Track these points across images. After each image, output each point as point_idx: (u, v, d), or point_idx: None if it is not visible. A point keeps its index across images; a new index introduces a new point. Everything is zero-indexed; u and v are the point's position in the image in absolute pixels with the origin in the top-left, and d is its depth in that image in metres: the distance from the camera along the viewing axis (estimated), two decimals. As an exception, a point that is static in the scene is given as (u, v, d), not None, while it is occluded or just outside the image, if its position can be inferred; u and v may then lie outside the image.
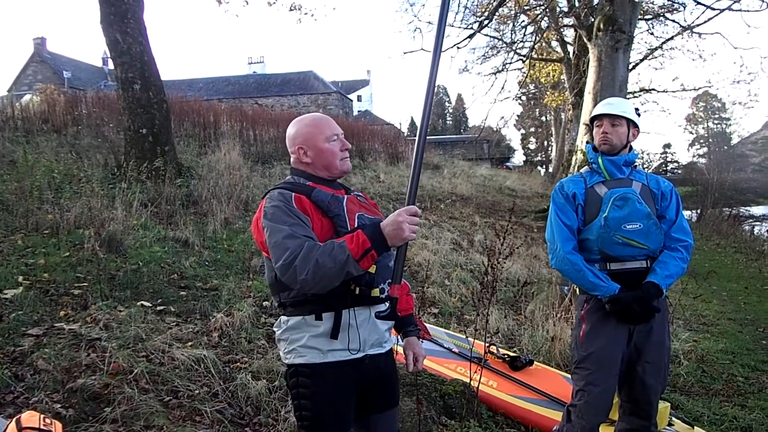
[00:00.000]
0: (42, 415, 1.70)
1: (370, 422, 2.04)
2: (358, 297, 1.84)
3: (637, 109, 2.77)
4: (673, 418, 3.35)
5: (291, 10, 12.24)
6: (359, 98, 52.68)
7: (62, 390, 2.99)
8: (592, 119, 2.75)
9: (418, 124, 1.87)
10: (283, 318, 1.95)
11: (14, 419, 1.64)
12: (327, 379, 1.88)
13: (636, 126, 2.70)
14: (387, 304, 1.85)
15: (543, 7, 16.54)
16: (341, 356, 1.88)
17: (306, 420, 1.90)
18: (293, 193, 1.88)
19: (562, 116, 29.17)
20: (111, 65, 9.01)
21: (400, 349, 2.22)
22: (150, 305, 4.33)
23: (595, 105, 2.89)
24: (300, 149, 1.99)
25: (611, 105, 2.71)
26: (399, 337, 2.21)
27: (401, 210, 1.74)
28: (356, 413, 2.00)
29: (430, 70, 1.82)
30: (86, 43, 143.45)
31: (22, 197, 5.80)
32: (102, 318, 3.84)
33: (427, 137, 1.84)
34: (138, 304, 4.27)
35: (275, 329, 2.00)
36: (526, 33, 19.10)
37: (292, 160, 2.06)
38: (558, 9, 17.33)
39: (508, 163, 40.86)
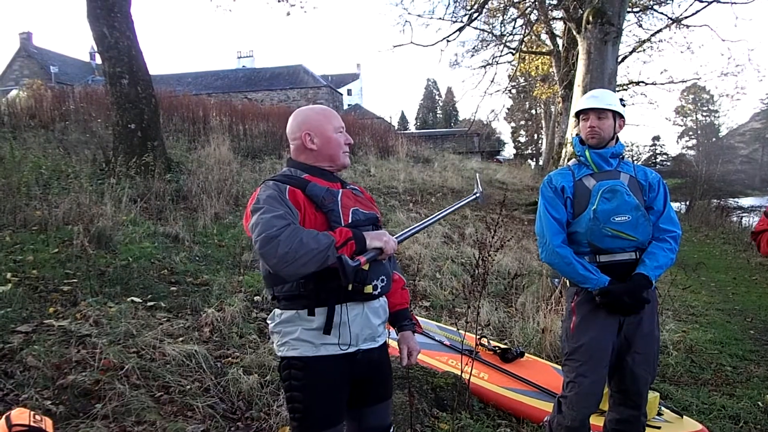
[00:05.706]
0: (32, 412, 1.68)
1: (362, 415, 2.04)
2: (350, 293, 1.85)
3: (622, 99, 2.78)
4: (663, 408, 3.38)
5: (279, 1, 12.09)
6: (349, 92, 52.55)
7: (52, 387, 2.97)
8: (578, 113, 2.74)
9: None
10: (277, 311, 1.96)
11: (4, 416, 1.62)
12: (319, 372, 1.89)
13: (622, 117, 2.70)
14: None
15: (532, 0, 16.54)
16: (334, 350, 1.89)
17: (298, 412, 1.90)
18: (288, 186, 1.89)
19: (552, 109, 29.22)
20: (98, 60, 8.95)
21: (393, 343, 2.22)
22: (140, 301, 4.31)
23: (584, 98, 2.88)
24: (307, 135, 2.00)
25: (596, 98, 2.69)
26: (394, 330, 2.22)
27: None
28: (349, 406, 2.00)
29: None
30: (73, 38, 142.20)
31: (9, 193, 5.74)
32: (92, 314, 3.81)
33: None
34: (128, 299, 4.24)
35: (268, 322, 2.01)
36: (516, 26, 19.19)
37: (292, 149, 2.06)
38: (547, 2, 17.31)
39: (498, 157, 40.87)
